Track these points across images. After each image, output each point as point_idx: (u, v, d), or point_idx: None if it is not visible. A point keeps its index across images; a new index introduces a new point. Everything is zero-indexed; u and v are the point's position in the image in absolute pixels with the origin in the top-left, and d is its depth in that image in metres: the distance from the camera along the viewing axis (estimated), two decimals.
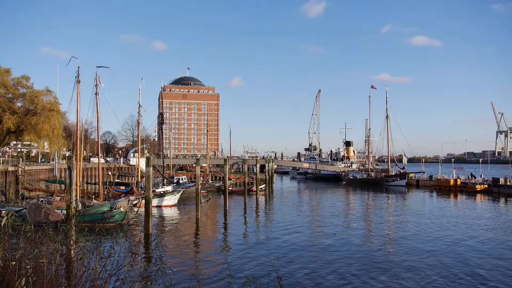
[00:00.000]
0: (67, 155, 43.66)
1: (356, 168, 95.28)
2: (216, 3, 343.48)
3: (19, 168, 38.47)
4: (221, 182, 58.96)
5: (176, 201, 40.97)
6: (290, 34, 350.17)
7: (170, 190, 42.95)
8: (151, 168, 24.53)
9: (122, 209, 28.15)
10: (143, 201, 25.71)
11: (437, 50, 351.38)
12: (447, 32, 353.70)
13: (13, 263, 5.58)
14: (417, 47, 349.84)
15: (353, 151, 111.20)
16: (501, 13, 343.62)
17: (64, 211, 21.08)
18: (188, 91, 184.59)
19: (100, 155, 39.82)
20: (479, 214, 35.85)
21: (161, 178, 51.05)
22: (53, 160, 47.97)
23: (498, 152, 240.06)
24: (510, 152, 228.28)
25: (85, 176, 45.56)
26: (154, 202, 33.94)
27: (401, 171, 71.56)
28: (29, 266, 5.42)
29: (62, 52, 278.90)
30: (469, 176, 62.11)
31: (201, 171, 47.03)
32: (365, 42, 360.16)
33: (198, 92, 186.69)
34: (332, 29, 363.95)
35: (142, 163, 44.16)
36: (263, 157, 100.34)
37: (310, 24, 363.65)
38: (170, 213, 36.59)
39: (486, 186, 56.51)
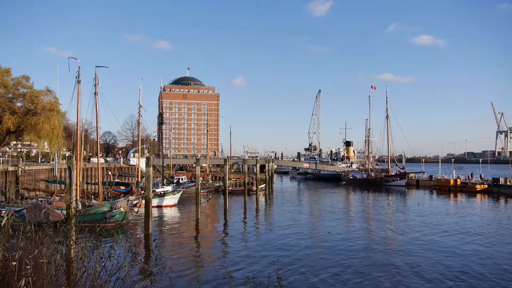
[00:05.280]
0: (67, 155, 43.63)
1: (356, 168, 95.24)
2: (220, 3, 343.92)
3: (19, 168, 38.46)
4: (221, 182, 58.97)
5: (176, 201, 40.95)
6: (294, 34, 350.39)
7: (170, 190, 42.94)
8: (151, 168, 24.53)
9: (122, 209, 28.15)
10: (143, 201, 25.71)
11: (441, 50, 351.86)
12: (452, 31, 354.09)
13: (14, 263, 5.58)
14: (422, 46, 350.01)
15: (353, 151, 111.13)
16: (507, 13, 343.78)
17: (64, 211, 21.07)
18: (188, 91, 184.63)
19: (100, 155, 39.79)
20: (479, 214, 35.85)
21: (161, 178, 51.05)
22: (53, 160, 47.96)
23: (498, 152, 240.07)
24: (510, 152, 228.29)
25: (85, 176, 45.54)
26: (154, 202, 33.92)
27: (401, 171, 71.55)
28: (29, 267, 5.41)
29: (65, 52, 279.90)
30: (469, 176, 62.12)
31: (201, 171, 47.03)
32: (370, 41, 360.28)
33: (198, 92, 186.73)
34: (337, 28, 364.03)
35: (142, 163, 44.16)
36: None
37: (315, 24, 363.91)
38: (170, 213, 36.58)
39: (486, 186, 56.52)
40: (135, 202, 32.36)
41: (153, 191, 33.21)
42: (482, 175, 62.54)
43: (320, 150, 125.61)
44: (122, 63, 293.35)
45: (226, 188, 36.13)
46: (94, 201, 32.16)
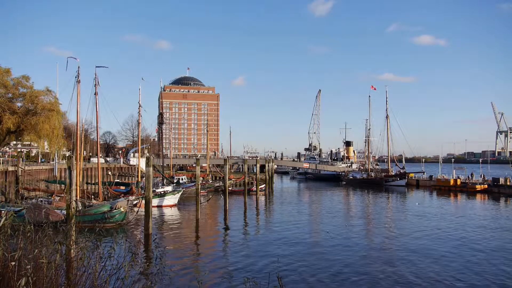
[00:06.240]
0: (67, 155, 43.62)
1: (356, 168, 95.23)
2: (220, 3, 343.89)
3: (19, 168, 38.43)
4: (221, 182, 58.96)
5: (176, 201, 40.96)
6: (294, 34, 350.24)
7: (170, 190, 42.94)
8: (151, 168, 24.52)
9: (122, 209, 28.14)
10: (143, 201, 25.70)
11: (442, 50, 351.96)
12: (452, 31, 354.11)
13: (13, 263, 5.57)
14: (422, 46, 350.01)
15: (353, 151, 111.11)
16: (507, 13, 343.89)
17: (64, 211, 21.07)
18: (188, 91, 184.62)
19: (99, 155, 39.77)
20: (479, 214, 35.83)
21: (161, 178, 51.03)
22: (53, 160, 47.95)
23: (498, 152, 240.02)
24: (510, 152, 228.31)
25: (85, 176, 45.52)
26: (154, 202, 33.93)
27: (401, 171, 71.55)
28: (29, 266, 5.40)
29: (65, 52, 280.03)
30: (469, 176, 62.08)
31: (201, 171, 47.01)
32: (370, 41, 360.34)
33: (198, 92, 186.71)
34: (337, 28, 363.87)
35: (142, 163, 44.16)
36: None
37: (316, 24, 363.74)
38: (170, 213, 36.58)
39: (486, 186, 56.50)
40: (135, 202, 32.34)
41: (153, 191, 33.21)
42: (483, 174, 62.44)
43: (320, 150, 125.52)
44: (122, 63, 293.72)
45: (226, 188, 36.11)
46: (94, 201, 32.16)
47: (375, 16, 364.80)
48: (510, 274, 17.12)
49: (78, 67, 31.38)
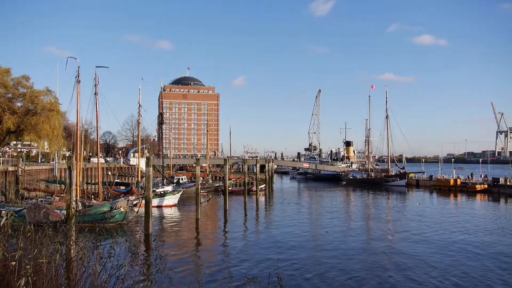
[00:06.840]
0: (67, 155, 43.60)
1: (356, 168, 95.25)
2: (220, 2, 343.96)
3: (19, 168, 38.42)
4: (221, 182, 58.96)
5: (176, 201, 40.95)
6: (295, 34, 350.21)
7: (170, 190, 42.95)
8: (151, 168, 24.52)
9: (122, 209, 28.15)
10: (143, 201, 25.71)
11: (442, 50, 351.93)
12: (452, 31, 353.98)
13: (13, 263, 5.57)
14: (422, 46, 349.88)
15: (353, 151, 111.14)
16: (507, 13, 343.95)
17: (64, 211, 21.07)
18: (188, 91, 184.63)
19: (99, 155, 39.76)
20: (479, 215, 35.84)
21: (161, 178, 51.02)
22: (53, 160, 47.95)
23: (498, 152, 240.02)
24: (510, 152, 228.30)
25: (85, 176, 45.51)
26: (154, 202, 33.92)
27: (401, 171, 71.56)
28: (29, 266, 5.41)
29: (65, 52, 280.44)
30: (469, 176, 62.07)
31: (201, 171, 47.01)
32: (370, 41, 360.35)
33: (198, 92, 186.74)
34: (338, 28, 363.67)
35: (142, 163, 44.15)
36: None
37: (316, 24, 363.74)
38: (170, 213, 36.58)
39: (486, 186, 56.49)
40: (135, 202, 32.35)
41: (153, 191, 33.20)
42: (485, 175, 62.32)
43: (320, 150, 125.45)
44: (122, 63, 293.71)
45: (226, 188, 36.11)
46: (94, 201, 32.16)
47: (375, 16, 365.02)
48: (505, 276, 17.13)
49: (78, 67, 31.44)
